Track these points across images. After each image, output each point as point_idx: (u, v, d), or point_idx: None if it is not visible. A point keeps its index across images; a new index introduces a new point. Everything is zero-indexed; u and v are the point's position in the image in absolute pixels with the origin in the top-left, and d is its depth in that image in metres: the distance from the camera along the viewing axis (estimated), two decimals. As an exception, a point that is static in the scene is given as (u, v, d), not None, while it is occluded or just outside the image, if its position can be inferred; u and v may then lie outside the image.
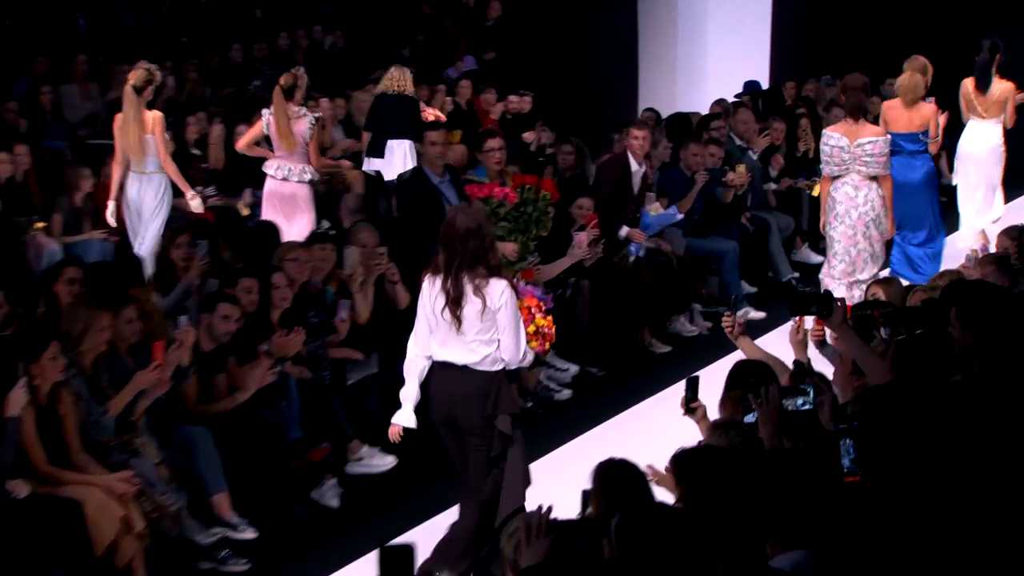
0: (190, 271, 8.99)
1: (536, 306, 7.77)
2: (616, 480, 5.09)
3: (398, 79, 12.94)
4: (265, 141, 11.16)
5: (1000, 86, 12.62)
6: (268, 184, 11.04)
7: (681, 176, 12.12)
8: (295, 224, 10.66)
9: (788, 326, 7.21)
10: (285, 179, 10.87)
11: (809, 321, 7.00)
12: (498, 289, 6.61)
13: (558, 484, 6.78)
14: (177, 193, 10.85)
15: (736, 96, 15.86)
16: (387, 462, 8.81)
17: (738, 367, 6.15)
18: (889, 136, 10.67)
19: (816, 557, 4.42)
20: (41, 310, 8.14)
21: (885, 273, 11.34)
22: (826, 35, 19.12)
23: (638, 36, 18.51)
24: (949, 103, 12.54)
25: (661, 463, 5.17)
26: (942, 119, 12.23)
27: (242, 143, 11.40)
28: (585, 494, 5.07)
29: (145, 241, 10.47)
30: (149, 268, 9.82)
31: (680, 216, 11.51)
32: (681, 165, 12.23)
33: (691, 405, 6.25)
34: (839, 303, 6.46)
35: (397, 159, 12.68)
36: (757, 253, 13.11)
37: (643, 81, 18.54)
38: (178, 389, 7.82)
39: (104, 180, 11.20)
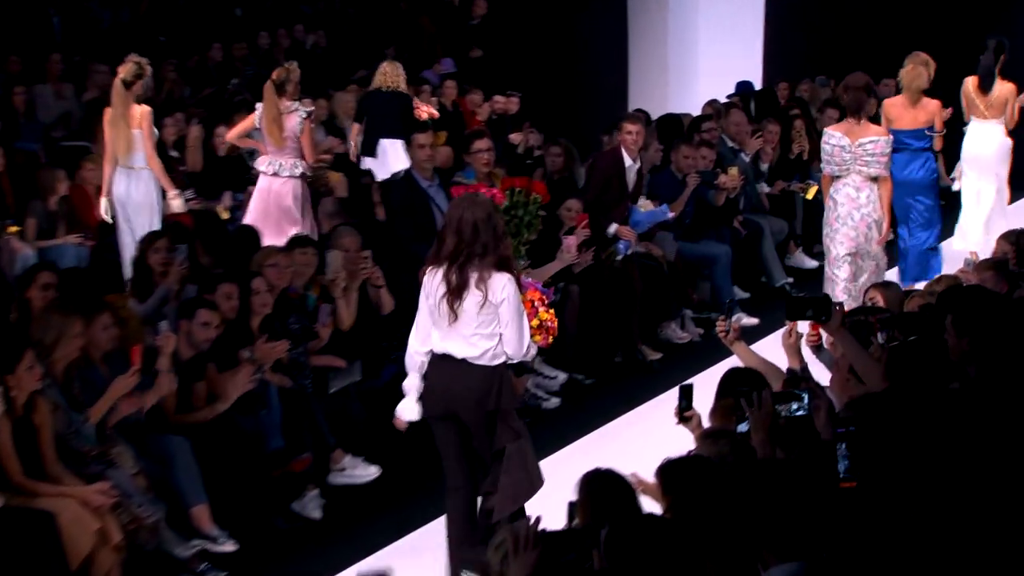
0: (168, 276, 8.98)
1: (539, 299, 7.79)
2: (602, 491, 5.10)
3: (391, 75, 12.96)
4: (257, 134, 11.22)
5: (1002, 87, 12.66)
6: (260, 181, 11.13)
7: (672, 179, 12.14)
8: (287, 223, 10.68)
9: (782, 332, 7.21)
10: (276, 174, 10.96)
11: (804, 326, 7.00)
12: (500, 283, 6.62)
13: (546, 495, 6.81)
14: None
15: (728, 97, 15.88)
16: (370, 472, 8.80)
17: (730, 375, 6.16)
18: (891, 136, 10.69)
19: (810, 569, 4.43)
20: (14, 316, 8.13)
21: (893, 274, 11.38)
22: (821, 34, 19.15)
23: (628, 35, 18.54)
24: (949, 102, 12.57)
25: (652, 473, 5.17)
26: (945, 114, 12.27)
27: (233, 133, 11.57)
28: (571, 505, 5.08)
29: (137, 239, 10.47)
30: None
31: (672, 215, 11.48)
32: (672, 167, 12.25)
33: (685, 414, 6.25)
34: (837, 307, 6.47)
35: (391, 159, 12.69)
36: (750, 257, 13.13)
37: (633, 81, 18.57)
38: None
39: (79, 183, 11.20)
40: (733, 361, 7.06)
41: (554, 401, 10.19)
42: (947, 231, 13.45)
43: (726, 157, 13.13)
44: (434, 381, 6.86)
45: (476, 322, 6.66)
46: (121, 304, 8.39)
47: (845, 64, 17.14)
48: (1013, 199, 13.61)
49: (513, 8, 18.76)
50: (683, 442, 6.12)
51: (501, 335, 6.70)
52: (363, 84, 15.38)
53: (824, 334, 7.24)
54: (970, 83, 12.80)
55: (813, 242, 14.43)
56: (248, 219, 10.93)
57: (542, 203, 9.39)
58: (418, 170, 9.47)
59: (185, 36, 16.50)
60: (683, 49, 18.20)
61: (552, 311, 7.94)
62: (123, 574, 6.93)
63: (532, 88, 16.90)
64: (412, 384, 6.97)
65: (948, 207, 13.75)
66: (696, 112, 14.86)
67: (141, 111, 10.60)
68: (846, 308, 7.09)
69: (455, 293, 6.62)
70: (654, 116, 14.71)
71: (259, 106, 11.09)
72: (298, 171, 11.02)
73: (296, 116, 10.94)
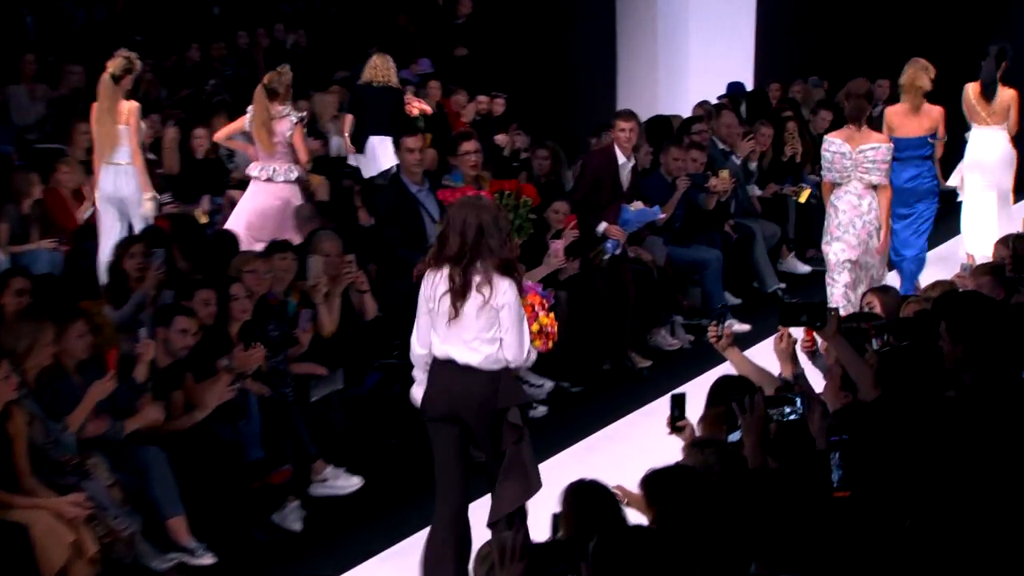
0: (145, 282, 8.95)
1: (539, 303, 7.81)
2: (586, 502, 5.10)
3: (381, 68, 12.95)
4: (242, 136, 11.26)
5: (1004, 94, 12.71)
6: (252, 186, 11.20)
7: (662, 182, 12.15)
8: (287, 230, 10.71)
9: (773, 338, 7.21)
10: (270, 179, 11.02)
11: (798, 331, 7.00)
12: (502, 287, 6.66)
13: (533, 505, 6.80)
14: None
15: (719, 98, 15.90)
16: (352, 483, 8.79)
17: (720, 383, 6.15)
18: (892, 143, 10.71)
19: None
20: (-14, 323, 8.10)
21: (894, 278, 11.40)
22: (813, 34, 19.18)
23: (616, 35, 18.54)
24: (948, 107, 12.60)
25: (637, 484, 5.18)
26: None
27: (221, 134, 11.68)
28: (555, 517, 5.08)
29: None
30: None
31: (663, 216, 11.45)
32: (662, 170, 12.26)
33: (677, 424, 6.25)
34: (832, 313, 6.47)
35: (380, 156, 12.69)
36: (741, 262, 13.14)
37: (622, 82, 18.58)
38: (131, 407, 7.78)
39: (54, 186, 11.18)
40: (724, 369, 7.06)
41: (541, 410, 10.18)
42: (943, 235, 13.52)
43: (717, 160, 13.16)
44: (437, 383, 6.88)
45: (476, 326, 6.69)
46: (96, 311, 8.36)
47: (839, 65, 17.27)
48: (1015, 201, 13.66)
49: (499, 7, 18.76)
50: (674, 452, 6.11)
51: (501, 340, 6.74)
52: (345, 84, 15.38)
53: (819, 340, 7.24)
54: (971, 90, 12.84)
55: (806, 246, 14.47)
56: (241, 226, 10.93)
57: (532, 206, 9.39)
58: (407, 174, 9.46)
59: (162, 35, 16.48)
60: (673, 49, 18.21)
61: (552, 315, 7.98)
62: (98, 588, 6.93)
63: (519, 89, 16.90)
64: (420, 377, 7.02)
65: (946, 212, 13.78)
66: (686, 113, 14.88)
67: (129, 107, 10.67)
68: (843, 315, 7.11)
69: (459, 294, 6.66)
70: (643, 118, 14.64)
71: (250, 109, 11.13)
72: (293, 176, 11.10)
73: (287, 121, 11.01)
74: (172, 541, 7.60)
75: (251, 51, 16.89)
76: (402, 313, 9.39)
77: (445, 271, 6.71)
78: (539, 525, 5.04)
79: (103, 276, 9.84)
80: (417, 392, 7.02)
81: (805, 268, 14.19)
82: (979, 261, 11.07)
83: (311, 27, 18.15)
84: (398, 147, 9.55)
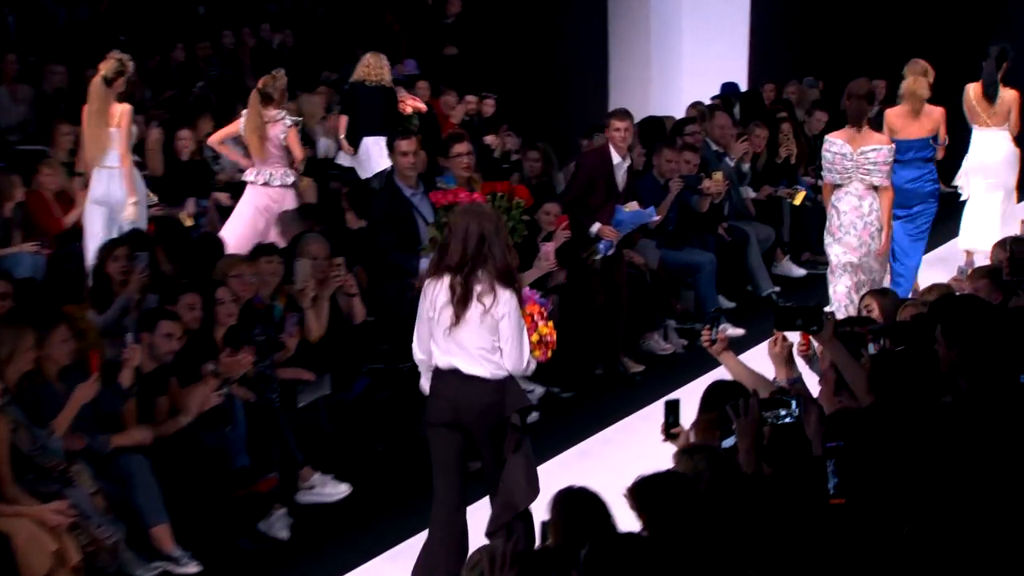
0: (129, 286, 8.94)
1: (538, 312, 7.86)
2: (576, 510, 5.11)
3: (374, 67, 12.94)
4: (232, 141, 11.31)
5: (1005, 95, 12.75)
6: (249, 191, 11.25)
7: (654, 184, 12.13)
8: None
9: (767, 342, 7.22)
10: (267, 184, 11.10)
11: (794, 335, 7.01)
12: (503, 297, 6.76)
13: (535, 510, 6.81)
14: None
15: (713, 99, 15.91)
16: (340, 490, 8.78)
17: (714, 388, 6.16)
18: (893, 145, 10.74)
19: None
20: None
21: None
22: (809, 34, 19.20)
23: (608, 34, 18.55)
24: (945, 107, 12.63)
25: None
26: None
27: (215, 138, 11.75)
28: (544, 525, 5.09)
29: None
30: None
31: (657, 217, 11.43)
32: (654, 172, 12.25)
33: (672, 431, 6.25)
34: (827, 317, 6.48)
35: (374, 157, 12.70)
36: (735, 266, 13.15)
37: (614, 83, 18.59)
38: (116, 412, 7.78)
39: (36, 188, 11.17)
40: (718, 373, 7.06)
41: (532, 416, 10.16)
42: (944, 236, 13.56)
43: (710, 161, 13.16)
44: (441, 392, 6.96)
45: (478, 335, 6.77)
46: (79, 315, 8.36)
47: (834, 65, 17.27)
48: (1019, 200, 13.71)
49: (489, 7, 18.76)
50: (667, 459, 6.11)
51: (501, 350, 6.83)
52: (332, 85, 15.38)
53: (815, 344, 7.25)
54: (972, 91, 12.88)
55: (801, 249, 14.48)
56: (236, 232, 10.95)
57: (525, 207, 9.39)
58: (401, 178, 9.44)
59: (146, 35, 16.46)
60: (666, 49, 18.23)
61: (551, 324, 8.00)
62: (81, 598, 6.92)
63: (509, 90, 16.90)
64: (425, 379, 7.11)
65: (946, 214, 13.80)
66: (679, 114, 14.88)
67: (121, 109, 10.68)
68: (839, 319, 7.12)
69: (461, 303, 6.74)
70: (636, 119, 14.71)
71: (243, 113, 11.21)
72: (289, 180, 11.20)
73: (281, 124, 11.09)
74: (156, 550, 7.60)
75: (237, 51, 16.88)
76: (392, 317, 9.42)
77: (446, 280, 6.78)
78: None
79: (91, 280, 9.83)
80: (426, 383, 7.11)
81: (800, 271, 14.21)
82: (980, 260, 11.10)
83: (298, 27, 18.14)
84: (392, 149, 9.52)
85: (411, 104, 13.43)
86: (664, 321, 11.94)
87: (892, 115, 12.03)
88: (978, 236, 12.90)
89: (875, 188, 10.44)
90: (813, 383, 7.03)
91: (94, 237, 10.59)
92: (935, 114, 11.92)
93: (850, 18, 19.07)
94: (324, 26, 18.59)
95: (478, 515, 7.24)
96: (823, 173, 10.79)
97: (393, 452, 9.39)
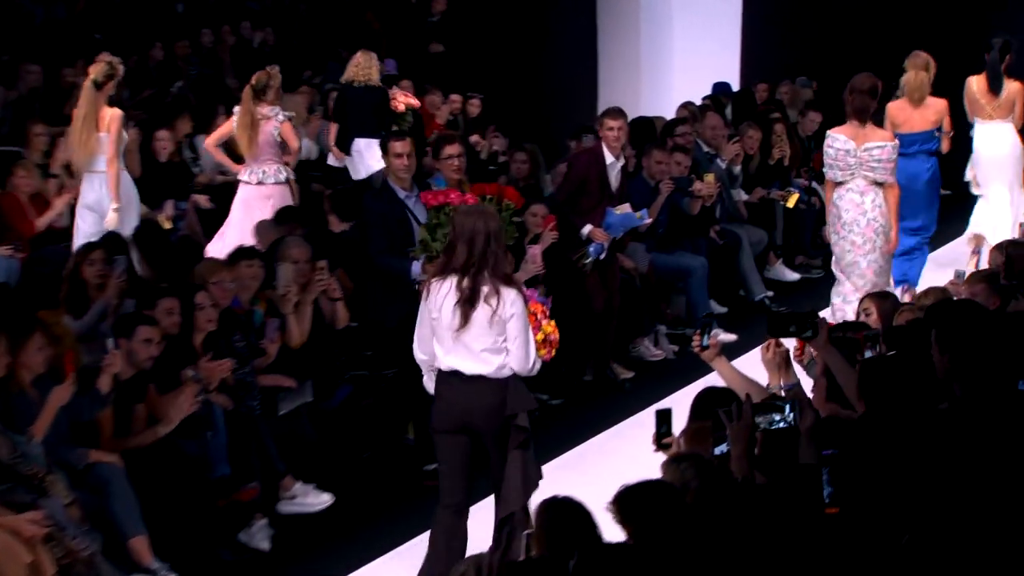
0: (106, 290, 8.92)
1: (541, 311, 7.91)
2: (560, 520, 5.10)
3: (364, 66, 12.96)
4: (224, 148, 11.39)
5: (1010, 86, 12.80)
6: (242, 191, 11.33)
7: (644, 186, 12.12)
8: None
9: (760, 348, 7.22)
10: (261, 183, 11.21)
11: (790, 341, 7.00)
12: (510, 297, 6.92)
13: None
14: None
15: (704, 99, 15.92)
16: (322, 500, 8.77)
17: (704, 395, 6.15)
18: (897, 141, 10.77)
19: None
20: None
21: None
22: (802, 32, 19.20)
23: (598, 33, 18.56)
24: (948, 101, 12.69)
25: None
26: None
27: (211, 140, 11.87)
28: (528, 536, 5.09)
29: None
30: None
31: (648, 220, 11.42)
32: (644, 174, 12.25)
33: (664, 441, 6.24)
34: (822, 322, 6.48)
35: (367, 159, 12.70)
36: (727, 270, 13.16)
37: (603, 83, 18.59)
38: (92, 421, 7.75)
39: (10, 190, 11.14)
40: (709, 380, 7.07)
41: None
42: (948, 236, 13.58)
43: (702, 163, 13.17)
44: (445, 397, 7.11)
45: (486, 336, 6.92)
46: (54, 321, 8.33)
47: (828, 64, 17.28)
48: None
49: (475, 4, 18.75)
50: (658, 468, 6.11)
51: (508, 350, 6.98)
52: (315, 87, 15.37)
53: (810, 350, 7.25)
54: (975, 84, 12.91)
55: (794, 253, 14.50)
56: (232, 234, 10.95)
57: (515, 209, 9.38)
58: (394, 180, 9.40)
59: (123, 34, 16.43)
60: (656, 48, 18.24)
61: (553, 322, 8.07)
62: (56, 610, 6.89)
63: (496, 90, 16.90)
64: (428, 378, 7.26)
65: (949, 214, 13.82)
66: (670, 115, 14.88)
67: (111, 114, 10.70)
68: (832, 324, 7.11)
69: (469, 303, 6.88)
70: (626, 119, 14.73)
71: (236, 110, 11.29)
72: (283, 176, 11.31)
73: (273, 121, 11.18)
74: (134, 562, 7.57)
75: (216, 50, 16.85)
76: (379, 322, 9.39)
77: (452, 280, 6.92)
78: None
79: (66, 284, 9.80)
80: (429, 383, 7.26)
81: (793, 275, 14.22)
82: (973, 254, 11.12)
83: (279, 25, 18.12)
84: (385, 150, 9.49)
85: (404, 100, 13.43)
86: (654, 326, 11.94)
87: (894, 108, 12.08)
88: (989, 226, 12.97)
89: (878, 184, 10.46)
90: (809, 389, 7.03)
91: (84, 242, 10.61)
92: (938, 105, 11.98)
93: (845, 16, 19.08)
94: (306, 24, 18.57)
95: (479, 515, 7.37)
96: (825, 170, 10.80)
97: (377, 461, 9.38)
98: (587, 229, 10.72)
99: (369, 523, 8.55)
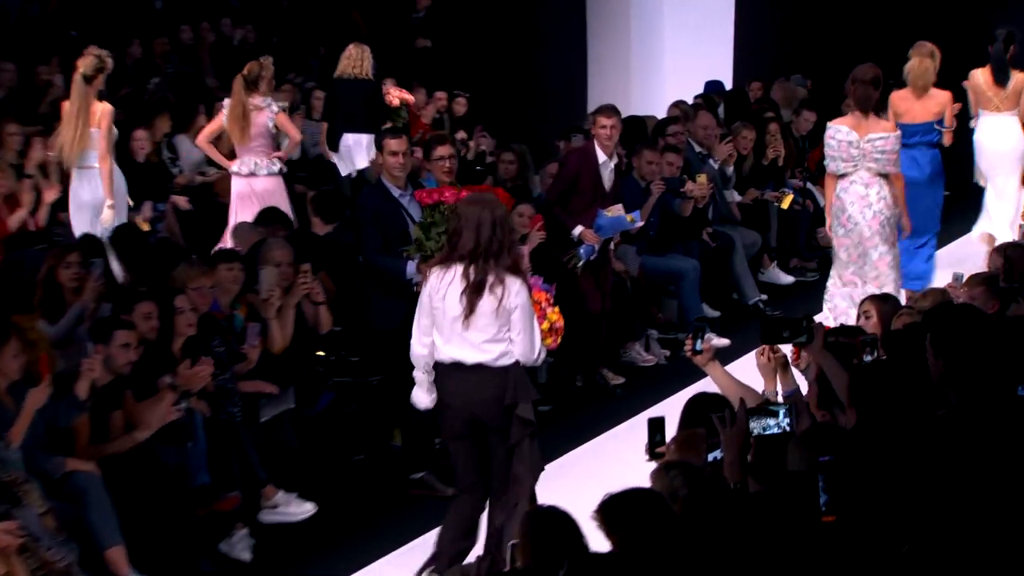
0: (83, 294, 8.90)
1: (545, 299, 7.94)
2: (546, 531, 5.09)
3: (356, 59, 12.97)
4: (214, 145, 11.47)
5: (1016, 78, 12.85)
6: (236, 184, 11.46)
7: (635, 187, 12.12)
8: None
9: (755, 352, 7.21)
10: (253, 174, 11.27)
11: (787, 346, 7.00)
12: (515, 287, 7.04)
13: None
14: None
15: (696, 98, 15.94)
16: (305, 509, 8.75)
17: (693, 402, 6.15)
18: (900, 132, 10.81)
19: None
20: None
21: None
22: (797, 29, 19.23)
23: (587, 30, 18.56)
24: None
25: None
26: (955, 108, 12.41)
27: (203, 137, 11.91)
28: (512, 547, 5.09)
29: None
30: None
31: (639, 223, 11.40)
32: (635, 175, 12.25)
33: (657, 450, 6.24)
34: (818, 327, 6.48)
35: (356, 156, 12.70)
36: (720, 273, 13.16)
37: (593, 81, 18.59)
38: (68, 428, 7.73)
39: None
40: (701, 386, 7.08)
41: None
42: (953, 235, 13.60)
43: (693, 163, 13.16)
44: (451, 394, 7.22)
45: (490, 326, 7.03)
46: (29, 326, 8.30)
47: (823, 62, 17.29)
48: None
49: (461, 1, 18.74)
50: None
51: (510, 339, 7.11)
52: (296, 85, 15.35)
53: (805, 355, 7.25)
54: (980, 76, 12.95)
55: (789, 256, 14.50)
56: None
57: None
58: (389, 178, 9.39)
59: (100, 31, 16.37)
60: (647, 45, 18.25)
61: (558, 309, 8.10)
62: (31, 623, 6.87)
63: (483, 89, 16.90)
64: (420, 377, 7.35)
65: (952, 213, 13.83)
66: (661, 114, 14.90)
67: (102, 108, 10.83)
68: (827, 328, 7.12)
69: (475, 291, 6.99)
70: (617, 118, 14.72)
71: (227, 102, 11.38)
72: (276, 168, 11.42)
73: (267, 112, 11.28)
74: (111, 573, 7.55)
75: (195, 47, 16.83)
76: (371, 327, 9.37)
77: (458, 269, 7.03)
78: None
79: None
80: (418, 395, 7.37)
81: (788, 279, 14.22)
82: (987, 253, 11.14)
83: (260, 22, 18.10)
84: (380, 148, 9.47)
85: (398, 95, 13.43)
86: (645, 331, 11.94)
87: (897, 97, 12.14)
88: (995, 223, 13.01)
89: (882, 176, 10.49)
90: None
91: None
92: (941, 97, 12.04)
93: (841, 13, 19.10)
94: (288, 21, 18.54)
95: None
96: (826, 162, 10.82)
97: (361, 468, 9.36)
98: (578, 230, 10.71)
99: (353, 533, 8.54)
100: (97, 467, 7.67)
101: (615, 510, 4.88)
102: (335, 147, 12.94)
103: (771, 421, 5.49)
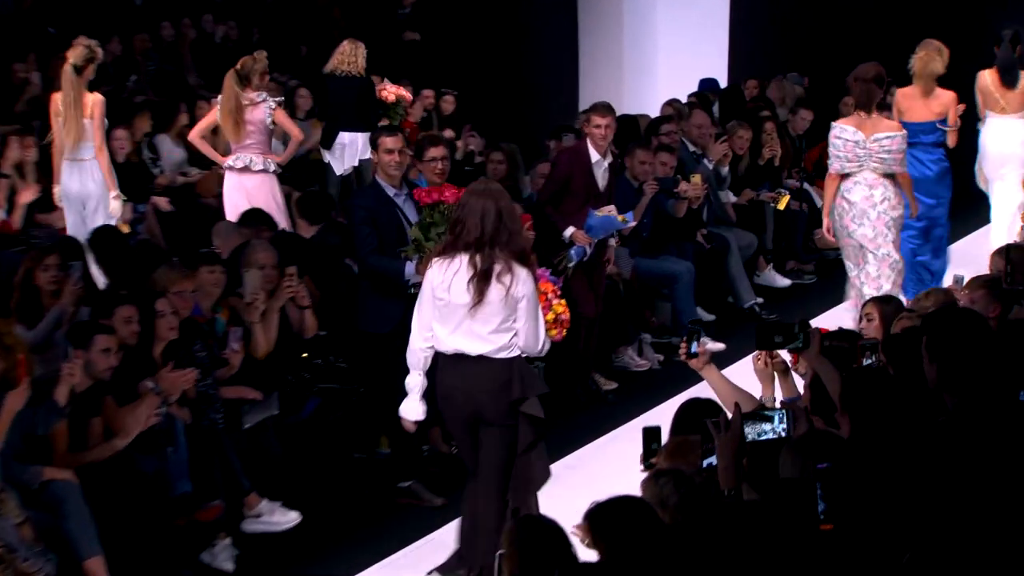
0: (62, 297, 8.88)
1: (552, 291, 7.96)
2: (533, 541, 5.09)
3: (349, 54, 12.95)
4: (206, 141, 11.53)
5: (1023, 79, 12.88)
6: (228, 179, 11.51)
7: (628, 187, 12.10)
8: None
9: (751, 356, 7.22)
10: (246, 168, 11.39)
11: (785, 352, 7.01)
12: (521, 276, 7.09)
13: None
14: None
15: (690, 96, 15.95)
16: (289, 519, 8.74)
17: (687, 407, 6.15)
18: (906, 131, 10.84)
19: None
20: None
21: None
22: (792, 27, 19.24)
23: (579, 26, 18.56)
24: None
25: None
26: (959, 108, 12.42)
27: (194, 133, 11.93)
28: (499, 557, 5.09)
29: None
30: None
31: (632, 223, 11.38)
32: (627, 175, 12.23)
33: (651, 460, 6.24)
34: (814, 332, 6.48)
35: (348, 155, 12.70)
36: (715, 275, 13.17)
37: (584, 79, 18.60)
38: (46, 434, 7.72)
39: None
40: (695, 391, 7.08)
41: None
42: (960, 233, 13.62)
43: (687, 163, 13.17)
44: (451, 384, 7.25)
45: (497, 315, 7.07)
46: (6, 330, 8.27)
47: (820, 60, 17.31)
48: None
49: (448, -3, 18.78)
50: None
51: (515, 329, 7.15)
52: (280, 83, 15.33)
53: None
54: (988, 77, 12.98)
55: (785, 258, 14.51)
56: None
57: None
58: (384, 177, 9.39)
59: (78, 27, 16.32)
60: (640, 42, 18.26)
61: (564, 301, 8.13)
62: (8, 636, 6.87)
63: (472, 87, 16.89)
64: (415, 382, 7.41)
65: (959, 210, 13.85)
66: (654, 113, 14.91)
67: (94, 99, 10.89)
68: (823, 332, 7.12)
69: (482, 279, 7.04)
70: (609, 117, 14.72)
71: (219, 98, 11.45)
72: (271, 167, 11.47)
73: (262, 108, 11.30)
74: (90, 584, 7.55)
75: (176, 44, 16.81)
76: (366, 331, 9.35)
77: (463, 258, 7.08)
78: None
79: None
80: (408, 408, 7.45)
81: (784, 281, 14.23)
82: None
83: (242, 18, 18.09)
84: (375, 146, 9.46)
85: (393, 91, 13.42)
86: (639, 335, 11.94)
87: (901, 95, 12.18)
88: (996, 225, 13.06)
89: (887, 177, 10.52)
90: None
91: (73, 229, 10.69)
92: (945, 97, 12.07)
93: (838, 10, 19.12)
94: (271, 17, 18.53)
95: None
96: (829, 162, 10.84)
97: (347, 477, 9.35)
98: (569, 231, 10.70)
99: (339, 543, 8.53)
100: (75, 476, 7.65)
101: (601, 519, 4.89)
102: (328, 146, 12.91)
103: (766, 426, 5.49)
